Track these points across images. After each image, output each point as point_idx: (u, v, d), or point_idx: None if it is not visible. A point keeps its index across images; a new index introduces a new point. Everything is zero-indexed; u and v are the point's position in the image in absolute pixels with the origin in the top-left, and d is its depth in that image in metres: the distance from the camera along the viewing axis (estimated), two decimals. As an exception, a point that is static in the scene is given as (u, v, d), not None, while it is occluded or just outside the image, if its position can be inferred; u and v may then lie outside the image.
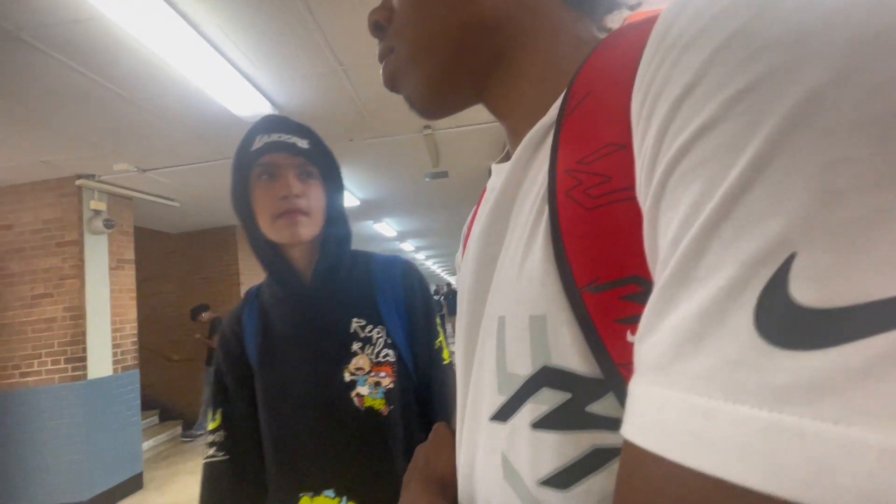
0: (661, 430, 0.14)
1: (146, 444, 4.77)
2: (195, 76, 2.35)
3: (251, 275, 6.36)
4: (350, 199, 5.31)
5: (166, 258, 6.12)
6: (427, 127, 3.55)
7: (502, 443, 0.27)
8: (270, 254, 0.79)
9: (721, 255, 0.14)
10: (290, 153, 0.76)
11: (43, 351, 3.55)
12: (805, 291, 0.12)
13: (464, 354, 0.34)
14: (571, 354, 0.23)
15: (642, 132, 0.19)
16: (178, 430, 5.66)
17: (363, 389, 0.76)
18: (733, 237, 0.14)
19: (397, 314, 0.82)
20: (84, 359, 3.53)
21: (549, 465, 0.23)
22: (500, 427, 0.27)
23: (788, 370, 0.12)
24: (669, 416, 0.14)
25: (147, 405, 5.31)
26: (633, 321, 0.20)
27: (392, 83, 0.37)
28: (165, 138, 3.15)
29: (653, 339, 0.16)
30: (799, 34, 0.14)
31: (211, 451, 0.78)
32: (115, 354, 3.82)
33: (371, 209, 6.07)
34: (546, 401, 0.24)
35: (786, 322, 0.12)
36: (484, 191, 0.46)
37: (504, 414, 0.27)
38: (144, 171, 3.67)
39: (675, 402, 0.14)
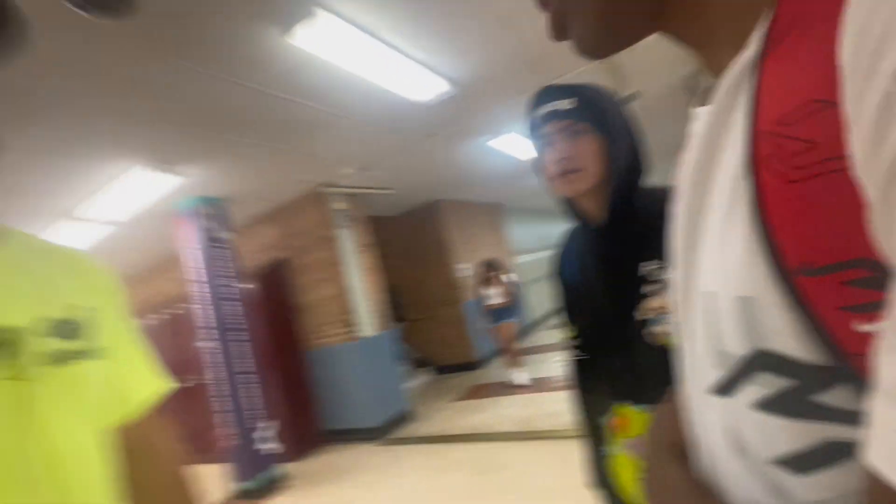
0: None
1: (409, 385, 5.98)
2: (385, 81, 2.68)
3: (460, 243, 7.06)
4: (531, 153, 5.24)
5: (394, 238, 7.32)
6: (604, 51, 3.18)
7: (725, 418, 0.26)
8: (567, 206, 0.92)
9: None
10: (556, 118, 0.84)
11: (330, 320, 4.79)
12: None
13: (680, 321, 0.33)
14: (790, 339, 0.20)
15: (862, 82, 0.15)
16: (427, 376, 6.88)
17: (657, 328, 0.81)
18: None
19: None
20: (356, 323, 4.63)
21: (780, 448, 0.22)
22: (719, 401, 0.26)
23: None
24: None
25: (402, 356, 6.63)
26: (862, 309, 0.17)
27: (560, 24, 0.32)
28: (373, 138, 3.72)
29: None
30: None
31: (577, 352, 0.99)
32: (374, 319, 4.87)
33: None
34: (767, 384, 0.22)
35: None
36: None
37: (723, 389, 0.26)
38: (364, 170, 4.43)
39: None
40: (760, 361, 0.22)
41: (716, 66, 0.28)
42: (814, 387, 0.20)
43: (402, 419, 4.84)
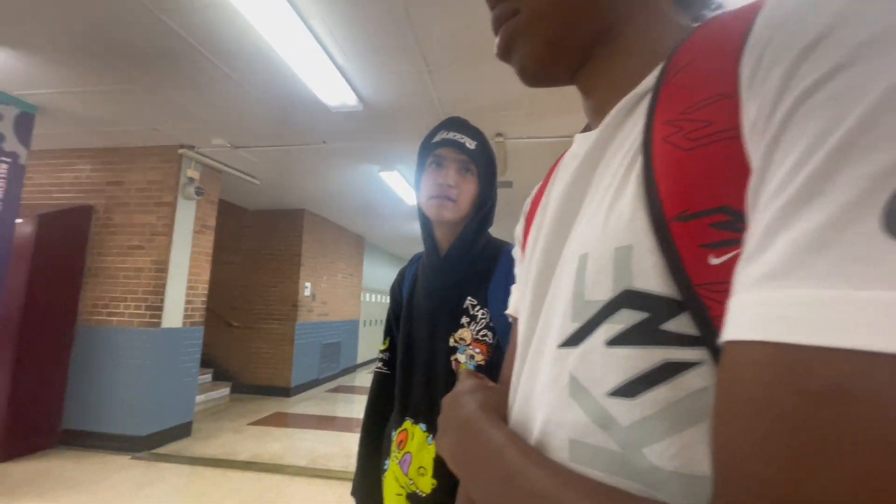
0: (789, 321, 0.15)
1: (198, 398, 5.16)
2: (295, 63, 2.56)
3: (311, 256, 6.72)
4: (414, 199, 5.47)
5: (240, 232, 6.62)
6: (499, 135, 3.60)
7: (571, 365, 0.28)
8: (425, 228, 0.99)
9: (850, 174, 0.15)
10: (457, 150, 0.93)
11: (128, 296, 3.97)
12: None
13: (533, 293, 0.36)
14: (652, 277, 0.24)
15: (762, 78, 0.20)
16: (227, 390, 6.07)
17: (461, 357, 0.90)
18: (862, 156, 0.15)
19: (504, 305, 0.90)
20: (161, 308, 3.92)
21: (620, 377, 0.25)
22: (569, 351, 0.28)
23: None
24: (795, 310, 0.15)
25: (204, 363, 5.75)
26: (717, 246, 0.21)
27: (508, 47, 0.37)
28: (259, 119, 3.45)
29: (765, 257, 0.17)
30: None
31: (380, 365, 1.08)
32: (186, 309, 4.19)
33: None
34: (623, 320, 0.25)
35: None
36: (556, 162, 0.48)
37: (576, 339, 0.28)
38: (237, 147, 4.02)
39: (800, 297, 0.15)
40: (623, 300, 0.25)
41: (606, 108, 0.36)
42: (662, 317, 0.23)
43: (176, 433, 4.10)
